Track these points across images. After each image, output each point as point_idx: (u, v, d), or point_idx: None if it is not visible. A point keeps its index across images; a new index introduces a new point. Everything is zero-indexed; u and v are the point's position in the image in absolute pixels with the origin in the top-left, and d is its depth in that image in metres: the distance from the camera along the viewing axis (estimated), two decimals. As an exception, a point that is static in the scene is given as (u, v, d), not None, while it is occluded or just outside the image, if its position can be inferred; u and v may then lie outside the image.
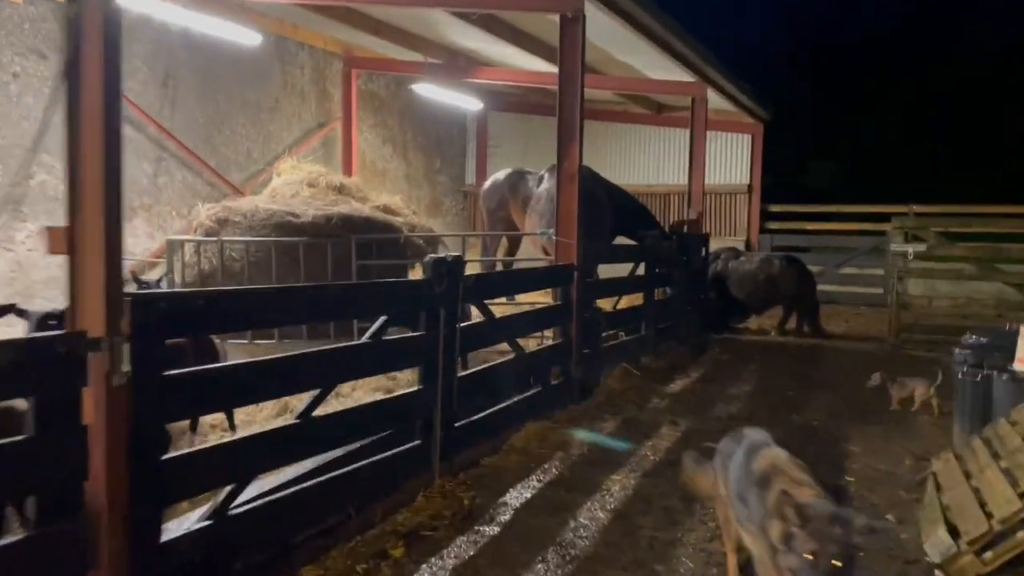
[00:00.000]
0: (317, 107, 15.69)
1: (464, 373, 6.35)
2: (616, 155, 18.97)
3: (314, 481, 4.68)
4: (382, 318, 5.32)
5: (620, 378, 9.41)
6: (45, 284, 10.70)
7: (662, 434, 7.51)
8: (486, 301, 6.71)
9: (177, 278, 8.74)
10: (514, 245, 13.04)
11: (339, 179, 9.65)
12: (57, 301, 10.79)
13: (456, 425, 6.07)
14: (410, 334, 5.66)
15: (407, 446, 5.60)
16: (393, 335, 5.48)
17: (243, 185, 13.42)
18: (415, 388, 5.75)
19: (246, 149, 13.87)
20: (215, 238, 8.59)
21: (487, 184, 13.31)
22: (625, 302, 10.59)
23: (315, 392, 4.66)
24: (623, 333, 9.92)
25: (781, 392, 9.33)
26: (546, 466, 6.49)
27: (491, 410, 6.66)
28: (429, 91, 15.97)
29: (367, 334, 5.22)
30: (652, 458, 6.78)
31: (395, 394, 5.75)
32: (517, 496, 5.75)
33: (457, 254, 6.08)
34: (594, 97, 17.11)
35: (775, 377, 10.21)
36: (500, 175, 13.09)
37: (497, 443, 6.79)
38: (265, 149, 14.24)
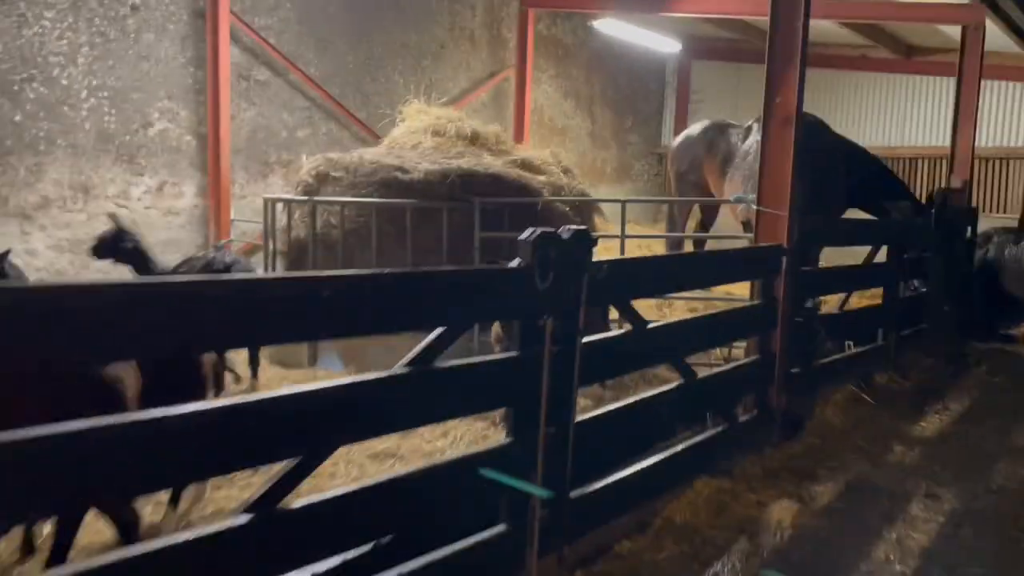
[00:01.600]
0: (489, 54, 13.74)
1: (589, 415, 4.08)
2: (848, 110, 15.51)
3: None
4: (436, 331, 3.18)
5: (843, 408, 6.69)
6: (164, 246, 9.54)
7: (912, 516, 4.82)
8: (635, 300, 4.37)
9: (273, 244, 7.12)
10: (708, 216, 10.38)
11: (472, 126, 7.59)
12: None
13: (573, 496, 3.82)
14: (485, 357, 3.48)
15: (483, 536, 3.46)
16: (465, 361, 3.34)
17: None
18: (499, 443, 3.59)
19: (402, 100, 12.12)
20: (306, 198, 6.86)
21: (677, 140, 10.72)
22: (856, 300, 7.74)
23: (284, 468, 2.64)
24: (851, 344, 7.13)
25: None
26: (723, 561, 4.12)
27: (634, 468, 4.34)
28: (618, 29, 13.53)
29: (407, 358, 3.10)
30: (898, 570, 4.16)
31: (456, 456, 3.60)
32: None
33: (581, 227, 3.75)
34: (824, 38, 13.83)
35: (1084, 419, 6.97)
36: (694, 128, 10.45)
37: (645, 516, 4.47)
38: (425, 100, 12.48)
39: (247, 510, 2.61)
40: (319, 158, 7.10)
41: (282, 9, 10.61)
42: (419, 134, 7.41)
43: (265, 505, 2.65)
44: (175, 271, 6.55)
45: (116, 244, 6.25)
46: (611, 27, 13.78)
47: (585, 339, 3.77)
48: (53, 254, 8.55)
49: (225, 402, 2.69)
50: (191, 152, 9.78)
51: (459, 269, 3.56)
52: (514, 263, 3.53)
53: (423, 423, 3.79)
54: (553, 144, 14.46)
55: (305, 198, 6.86)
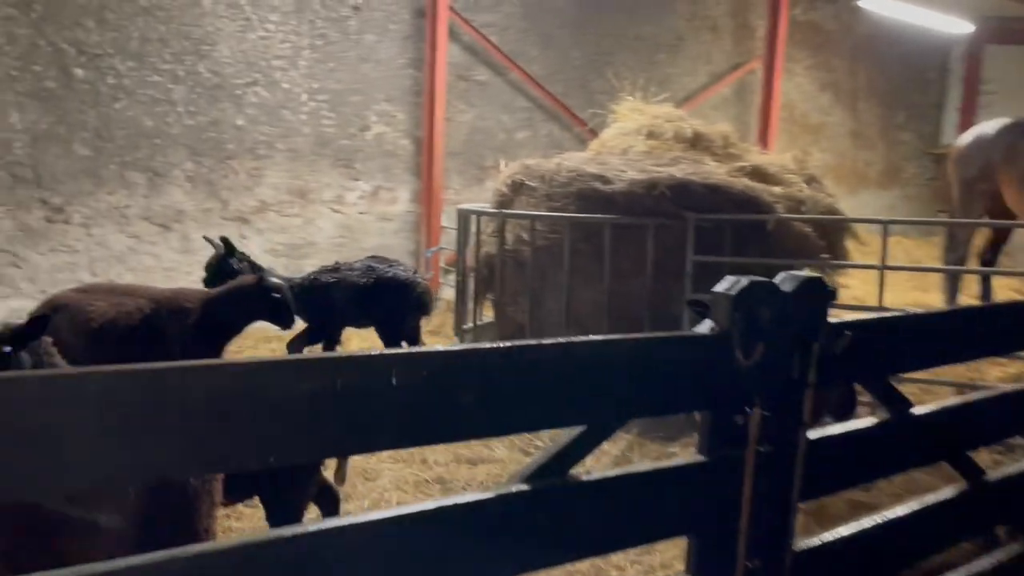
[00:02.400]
0: (733, 44, 12.34)
1: (817, 541, 2.89)
2: None
3: None
4: (575, 430, 2.22)
5: None
6: (376, 252, 9.34)
7: None
8: (897, 376, 3.11)
9: (463, 259, 6.48)
10: (999, 239, 8.34)
11: (694, 126, 6.41)
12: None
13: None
14: (653, 464, 2.45)
15: None
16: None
17: (621, 141, 10.78)
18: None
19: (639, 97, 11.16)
20: (494, 211, 6.10)
21: (965, 140, 8.73)
22: None
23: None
24: None
25: None
26: None
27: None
28: (893, 10, 11.56)
29: (525, 469, 2.16)
30: None
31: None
32: None
33: (812, 275, 2.57)
34: None
35: None
36: (989, 127, 8.43)
37: None
38: (643, 97, 11.41)
39: None
40: (516, 165, 6.36)
41: (506, 4, 10.05)
42: (631, 136, 6.41)
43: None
44: (311, 277, 5.95)
45: (228, 266, 5.67)
46: (884, 7, 11.82)
47: (813, 434, 2.60)
48: (269, 258, 8.59)
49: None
50: (407, 156, 9.51)
51: (609, 339, 2.52)
52: (703, 327, 2.46)
53: (550, 564, 2.70)
54: (805, 144, 12.75)
55: (493, 211, 6.13)
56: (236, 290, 4.82)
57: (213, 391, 1.57)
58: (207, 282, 5.65)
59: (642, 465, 2.48)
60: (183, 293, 4.94)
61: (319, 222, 8.96)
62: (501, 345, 2.14)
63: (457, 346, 2.26)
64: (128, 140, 7.77)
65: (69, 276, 7.57)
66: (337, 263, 6.15)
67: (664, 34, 11.61)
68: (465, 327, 6.53)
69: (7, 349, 2.99)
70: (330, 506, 3.65)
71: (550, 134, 10.65)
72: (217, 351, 4.96)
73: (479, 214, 6.28)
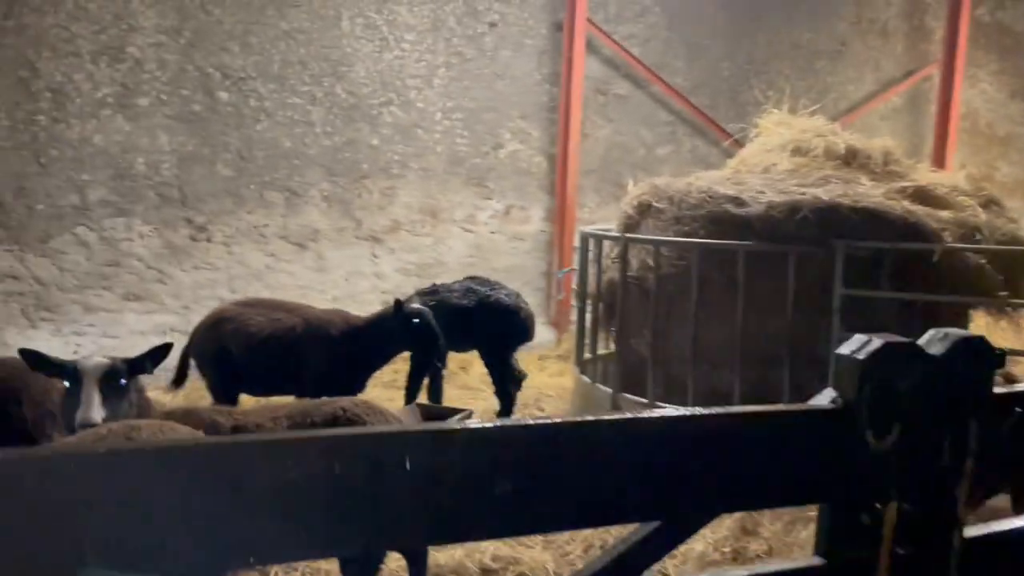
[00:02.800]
0: (905, 48, 11.26)
1: None
2: None
3: None
4: (646, 527, 1.83)
5: None
6: (507, 273, 9.14)
7: None
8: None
9: (592, 286, 6.07)
10: None
11: (848, 140, 5.65)
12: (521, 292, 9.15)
13: None
14: (759, 569, 1.99)
15: None
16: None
17: (773, 157, 10.03)
18: None
19: (786, 109, 10.42)
20: (615, 235, 5.64)
21: None
22: None
23: None
24: None
25: None
26: None
27: None
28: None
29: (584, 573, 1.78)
30: None
31: None
32: None
33: (969, 335, 2.01)
34: None
35: None
36: None
37: None
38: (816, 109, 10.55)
39: None
40: (644, 185, 5.89)
41: (650, 15, 9.59)
42: (775, 153, 5.78)
43: None
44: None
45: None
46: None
47: (972, 531, 2.05)
48: (400, 277, 8.56)
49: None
50: (540, 174, 9.24)
51: (689, 414, 2.06)
52: (822, 398, 1.98)
53: None
54: (990, 158, 11.44)
55: (614, 235, 5.69)
56: (377, 318, 4.85)
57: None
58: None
59: (738, 571, 2.01)
60: (332, 318, 4.97)
61: (450, 241, 8.84)
62: (545, 421, 1.75)
63: (490, 423, 1.87)
64: (267, 161, 7.95)
65: (210, 293, 7.82)
66: (434, 285, 5.95)
67: (825, 40, 10.73)
68: (586, 357, 6.13)
69: (123, 382, 2.99)
70: None
71: (694, 149, 10.06)
72: (359, 381, 4.94)
73: (601, 237, 5.87)
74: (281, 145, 7.99)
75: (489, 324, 5.68)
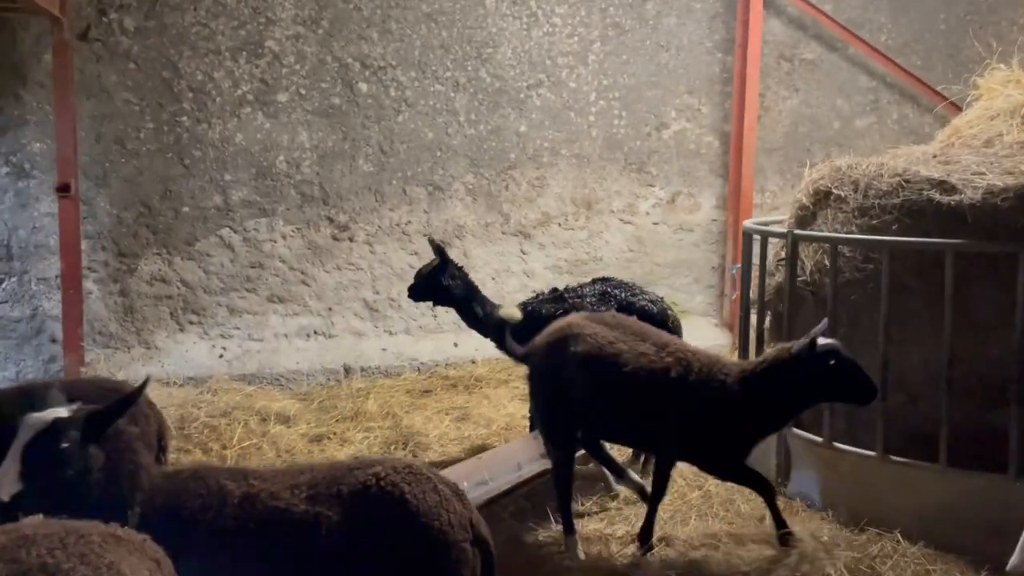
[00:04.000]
0: None
1: None
2: None
3: None
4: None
5: None
6: (672, 268, 8.16)
7: None
8: None
9: (755, 291, 5.02)
10: None
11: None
12: (686, 292, 8.13)
13: None
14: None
15: None
16: None
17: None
18: None
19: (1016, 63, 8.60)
20: (781, 231, 4.50)
21: None
22: None
23: None
24: None
25: None
26: None
27: None
28: None
29: None
30: None
31: None
32: None
33: None
34: None
35: None
36: None
37: None
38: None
39: None
40: (823, 168, 4.74)
41: (845, -35, 8.18)
42: (1000, 121, 4.43)
43: None
44: (528, 308, 4.95)
45: (438, 281, 4.98)
46: None
47: None
48: (551, 275, 7.83)
49: None
50: (711, 156, 8.13)
51: None
52: None
53: None
54: None
55: (779, 231, 4.59)
56: (778, 362, 3.63)
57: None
58: (415, 292, 5.07)
59: None
60: (716, 360, 3.85)
61: (607, 235, 7.97)
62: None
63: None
64: (409, 154, 7.48)
65: (353, 294, 7.50)
66: (556, 289, 5.12)
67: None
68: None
69: (66, 445, 2.33)
70: None
71: (901, 119, 8.51)
72: (744, 444, 3.82)
73: (766, 233, 4.78)
74: (423, 136, 7.50)
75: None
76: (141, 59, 6.85)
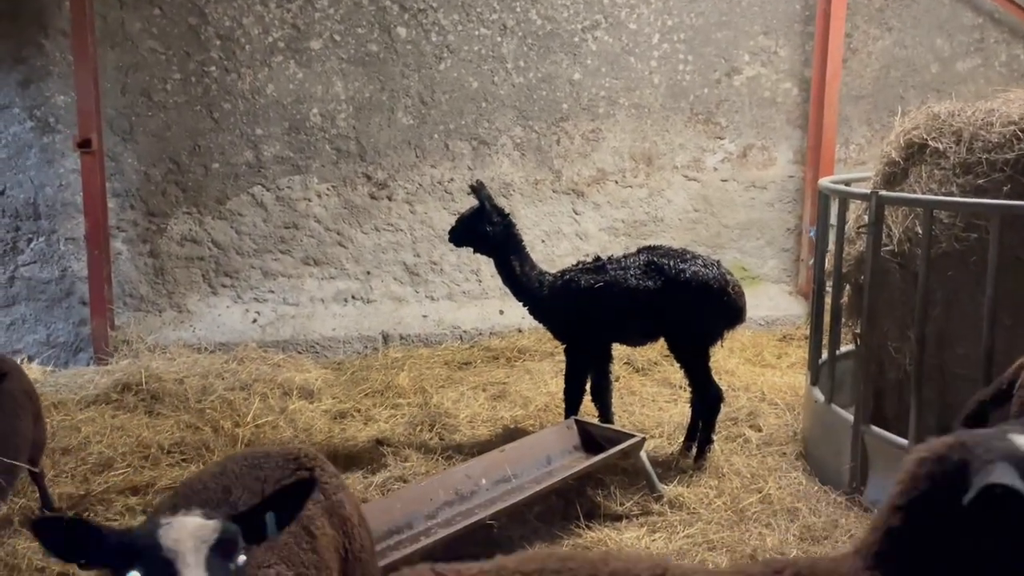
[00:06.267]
0: None
1: None
2: None
3: None
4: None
5: None
6: (743, 229, 7.42)
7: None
8: None
9: (832, 262, 4.29)
10: None
11: None
12: (758, 256, 7.38)
13: None
14: None
15: None
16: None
17: None
18: None
19: None
20: (864, 191, 3.74)
21: None
22: None
23: None
24: None
25: None
26: None
27: None
28: None
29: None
30: None
31: None
32: None
33: None
34: None
35: None
36: None
37: None
38: None
39: None
40: (917, 116, 3.98)
41: None
42: None
43: None
44: (566, 277, 4.41)
45: (477, 226, 4.44)
46: None
47: None
48: (607, 237, 7.20)
49: None
50: (789, 104, 7.30)
51: None
52: None
53: None
54: None
55: (863, 191, 3.84)
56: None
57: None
58: (455, 235, 4.54)
59: None
60: None
61: (669, 193, 7.27)
62: None
63: None
64: (452, 105, 6.91)
65: (393, 257, 7.04)
66: (599, 258, 4.52)
67: None
68: (821, 361, 4.40)
69: (238, 559, 1.61)
70: None
71: (1011, 62, 7.48)
72: None
73: (845, 194, 4.04)
74: (467, 86, 6.90)
75: (685, 309, 4.20)
76: (166, 4, 6.43)
